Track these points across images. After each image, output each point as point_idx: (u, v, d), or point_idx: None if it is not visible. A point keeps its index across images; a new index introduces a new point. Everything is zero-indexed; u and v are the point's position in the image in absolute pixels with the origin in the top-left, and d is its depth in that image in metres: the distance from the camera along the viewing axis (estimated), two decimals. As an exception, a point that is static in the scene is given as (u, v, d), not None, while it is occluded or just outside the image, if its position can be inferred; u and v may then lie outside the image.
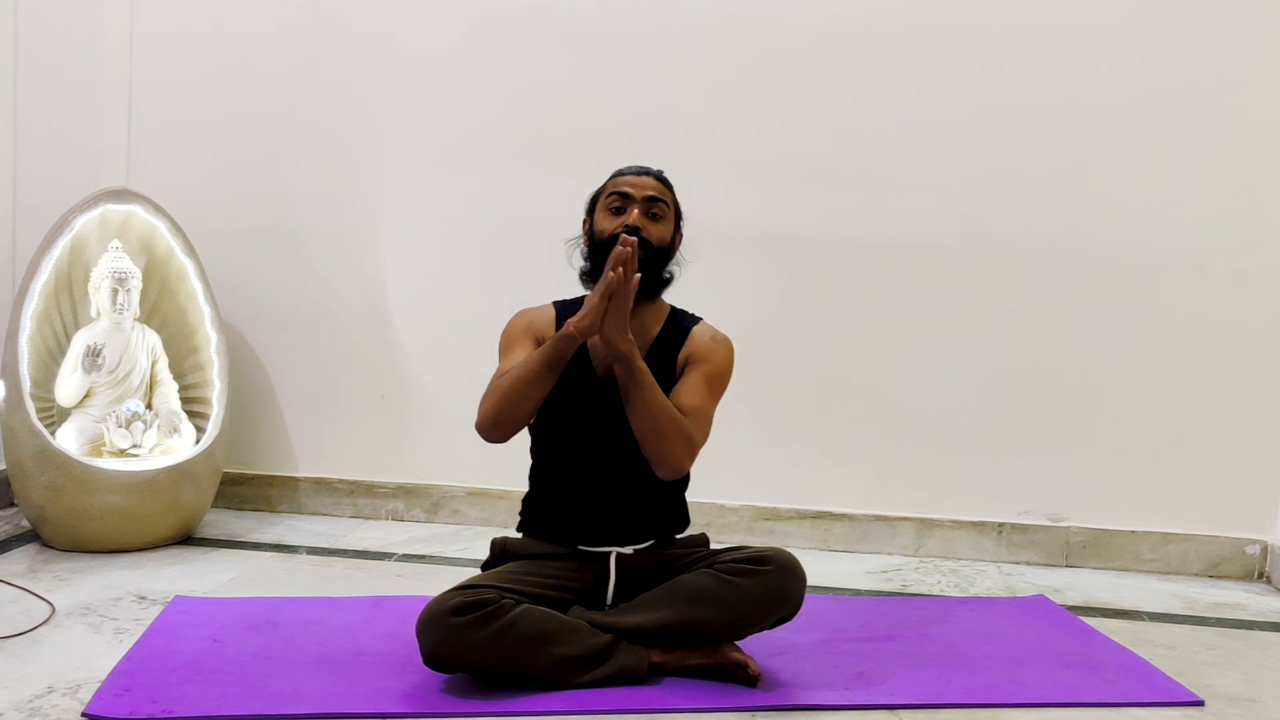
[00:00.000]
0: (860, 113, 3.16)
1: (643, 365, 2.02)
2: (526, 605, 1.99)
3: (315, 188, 3.35)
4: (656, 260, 2.14)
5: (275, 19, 3.32)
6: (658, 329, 2.19)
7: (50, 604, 2.39)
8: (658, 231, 2.14)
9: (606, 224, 2.14)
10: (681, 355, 2.16)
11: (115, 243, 3.05)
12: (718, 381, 2.15)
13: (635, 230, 2.09)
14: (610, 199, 2.15)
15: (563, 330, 2.02)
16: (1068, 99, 3.10)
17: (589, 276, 2.18)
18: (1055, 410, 3.16)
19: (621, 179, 2.16)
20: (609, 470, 2.13)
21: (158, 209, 3.14)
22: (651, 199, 2.14)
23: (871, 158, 3.16)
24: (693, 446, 2.05)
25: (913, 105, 3.14)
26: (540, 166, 3.25)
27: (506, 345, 2.19)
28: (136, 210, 3.12)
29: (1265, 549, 3.10)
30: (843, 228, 3.18)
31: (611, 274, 1.94)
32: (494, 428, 2.05)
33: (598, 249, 2.14)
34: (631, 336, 2.01)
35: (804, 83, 3.17)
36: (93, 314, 3.05)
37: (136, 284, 3.04)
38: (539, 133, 3.25)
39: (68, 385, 2.96)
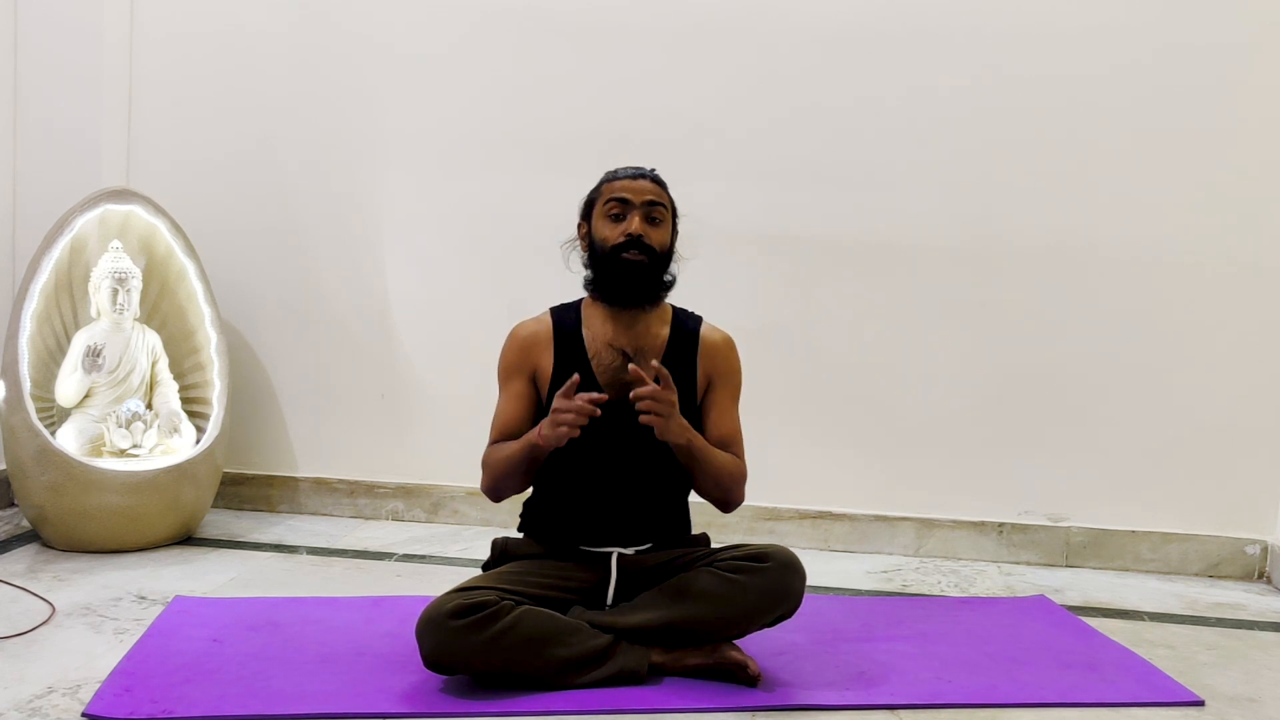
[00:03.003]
0: (861, 112, 3.16)
1: (701, 441, 2.06)
2: (526, 607, 1.99)
3: (315, 188, 3.35)
4: (659, 265, 2.13)
5: (275, 19, 3.32)
6: (666, 331, 2.18)
7: (50, 604, 2.39)
8: (659, 236, 2.13)
9: (607, 232, 2.12)
10: (701, 368, 2.18)
11: (115, 243, 3.05)
12: (739, 390, 2.23)
13: (638, 239, 2.08)
14: (609, 205, 2.12)
15: (531, 439, 2.02)
16: (1068, 99, 3.10)
17: (593, 286, 2.17)
18: (1055, 410, 3.16)
19: (617, 183, 2.14)
20: (612, 479, 2.14)
21: (158, 209, 3.14)
22: (650, 203, 2.12)
23: (872, 158, 3.16)
24: (745, 478, 2.17)
25: (914, 105, 3.14)
26: (540, 166, 3.25)
27: (503, 377, 2.20)
28: (136, 210, 3.12)
29: (1265, 549, 3.11)
30: (843, 227, 3.18)
31: (570, 416, 1.93)
32: (494, 498, 2.16)
33: (600, 259, 2.13)
34: (689, 431, 2.02)
35: (805, 82, 3.17)
36: (93, 314, 3.05)
37: (136, 284, 3.04)
38: (539, 133, 3.25)
39: (68, 385, 2.96)
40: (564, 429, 1.94)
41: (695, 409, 2.18)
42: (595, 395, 1.94)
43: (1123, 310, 3.13)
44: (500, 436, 2.16)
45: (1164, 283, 3.11)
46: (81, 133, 3.27)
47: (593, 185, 2.21)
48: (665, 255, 2.15)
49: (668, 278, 2.17)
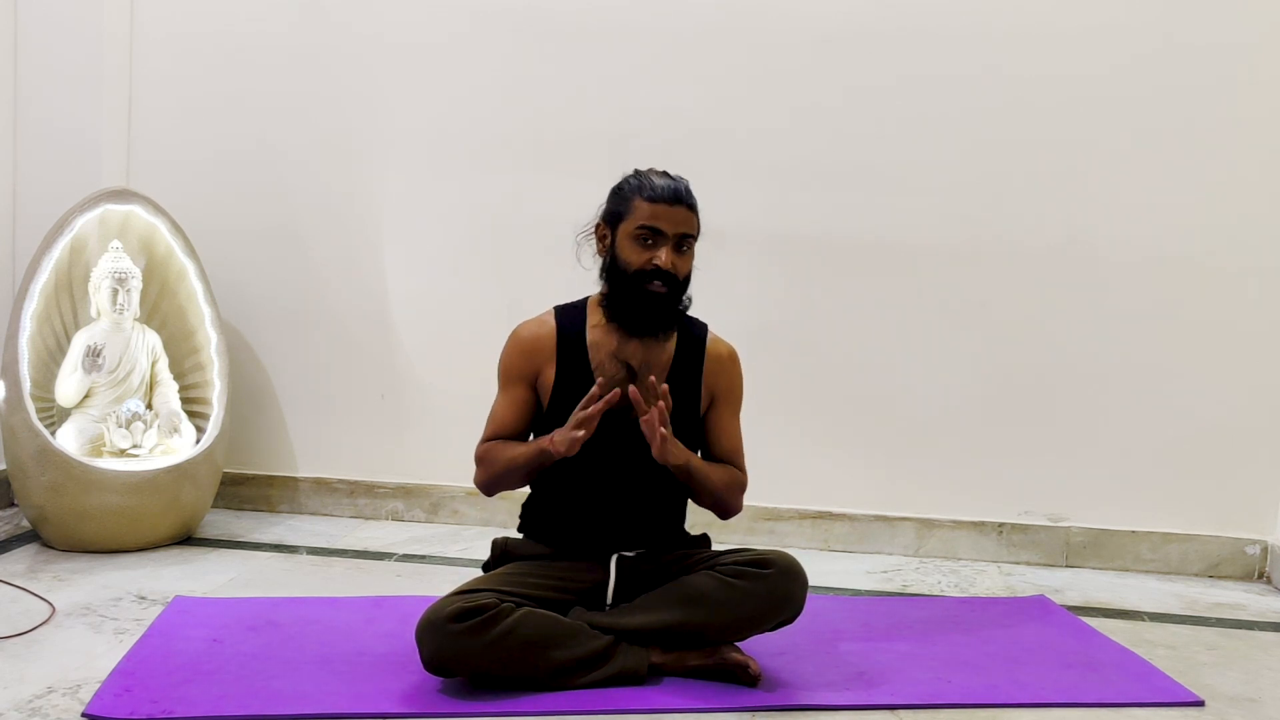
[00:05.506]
0: (861, 112, 3.16)
1: (697, 461, 2.09)
2: (526, 609, 1.99)
3: (315, 188, 3.35)
4: (679, 292, 2.10)
5: (275, 19, 3.32)
6: (671, 346, 2.16)
7: (50, 604, 2.39)
8: (685, 266, 2.09)
9: (633, 255, 2.06)
10: (705, 383, 2.18)
11: (115, 243, 3.05)
12: (741, 404, 2.24)
13: (664, 273, 2.04)
14: (640, 230, 2.05)
15: (544, 446, 2.02)
16: (1069, 98, 3.10)
17: (607, 304, 2.13)
18: (1055, 410, 3.16)
19: (651, 207, 2.05)
20: (610, 487, 2.13)
21: (158, 209, 3.13)
22: (683, 234, 2.07)
23: (871, 157, 3.16)
24: (745, 488, 2.21)
25: (915, 104, 3.14)
26: (540, 166, 3.25)
27: (504, 379, 2.18)
28: (136, 210, 3.12)
29: (1265, 549, 3.10)
30: (843, 227, 3.18)
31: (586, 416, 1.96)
32: (488, 492, 2.17)
33: (620, 280, 2.09)
34: (684, 452, 2.04)
35: (805, 82, 3.17)
36: (93, 314, 3.05)
37: (136, 284, 3.04)
38: (538, 132, 3.25)
39: (68, 385, 2.96)
40: (581, 433, 1.96)
41: (698, 421, 2.18)
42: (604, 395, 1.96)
43: (1123, 310, 3.13)
44: (494, 435, 2.15)
45: (1165, 283, 3.11)
46: (81, 133, 3.27)
47: (596, 184, 2.17)
48: (686, 280, 2.11)
49: (685, 301, 2.14)
